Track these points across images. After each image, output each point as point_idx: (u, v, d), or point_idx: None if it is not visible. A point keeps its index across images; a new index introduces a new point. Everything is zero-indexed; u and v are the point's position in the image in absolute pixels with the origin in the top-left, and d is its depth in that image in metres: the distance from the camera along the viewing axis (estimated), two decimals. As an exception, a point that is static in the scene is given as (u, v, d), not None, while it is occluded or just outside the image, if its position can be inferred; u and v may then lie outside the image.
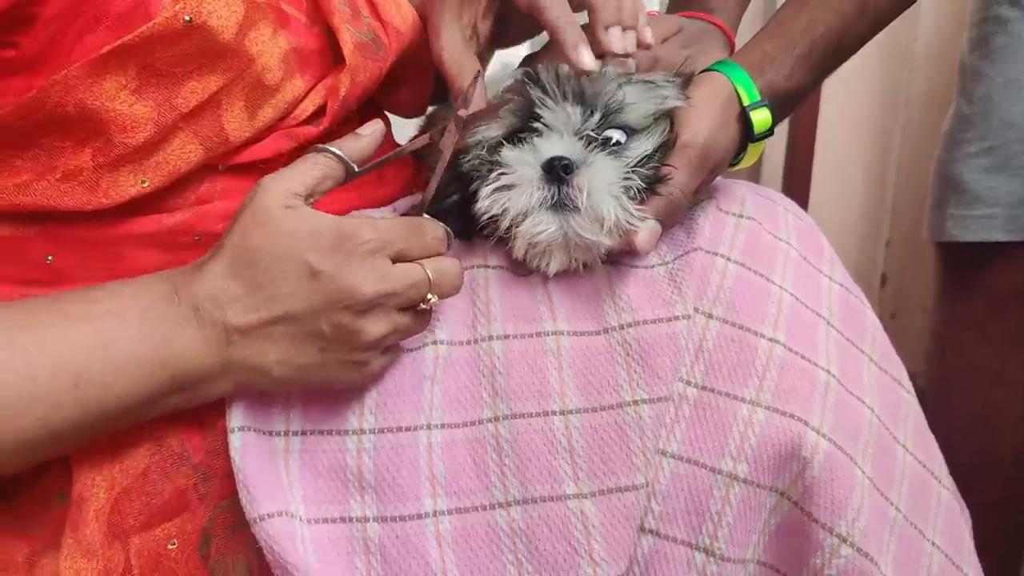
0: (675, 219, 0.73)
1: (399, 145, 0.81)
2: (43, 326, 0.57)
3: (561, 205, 0.68)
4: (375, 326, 0.61)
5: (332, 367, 0.62)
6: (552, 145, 0.70)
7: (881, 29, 0.85)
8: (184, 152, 0.64)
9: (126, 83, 0.60)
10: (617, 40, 0.70)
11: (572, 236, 0.68)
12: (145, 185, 0.63)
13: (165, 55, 0.61)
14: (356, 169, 0.65)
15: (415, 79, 0.85)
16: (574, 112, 0.71)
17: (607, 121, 0.72)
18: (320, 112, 0.72)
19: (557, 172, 0.67)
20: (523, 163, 0.69)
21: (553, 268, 0.71)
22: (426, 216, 0.66)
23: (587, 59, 0.70)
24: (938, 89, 1.88)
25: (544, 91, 0.71)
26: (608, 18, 0.70)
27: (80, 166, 0.61)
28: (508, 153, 0.70)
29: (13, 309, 0.58)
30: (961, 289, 1.31)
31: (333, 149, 0.64)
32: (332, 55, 0.75)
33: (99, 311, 0.59)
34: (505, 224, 0.69)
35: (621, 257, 0.72)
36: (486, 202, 0.69)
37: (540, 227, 0.68)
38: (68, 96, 0.59)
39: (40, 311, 0.58)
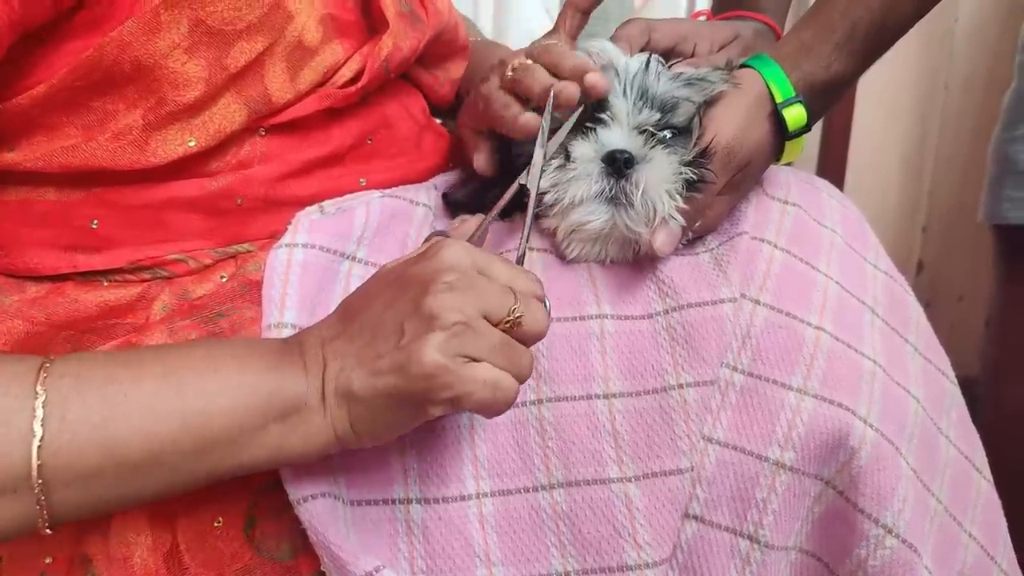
0: (699, 219, 0.72)
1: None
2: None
3: (615, 198, 0.68)
4: (447, 311, 0.55)
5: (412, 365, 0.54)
6: (614, 137, 0.70)
7: (930, 8, 0.82)
8: (229, 112, 0.65)
9: (179, 41, 0.62)
10: None
11: (621, 228, 0.68)
12: (192, 145, 0.64)
13: (215, 9, 0.62)
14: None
15: (450, 66, 0.87)
16: (637, 107, 0.72)
17: (664, 120, 0.72)
18: (358, 79, 0.73)
19: (619, 165, 0.68)
20: (586, 152, 0.70)
21: (583, 256, 0.72)
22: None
23: None
24: (979, 72, 1.85)
25: (615, 83, 0.72)
26: None
27: (130, 125, 0.62)
28: (575, 142, 0.71)
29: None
30: (1017, 272, 1.29)
31: None
32: (368, 29, 0.75)
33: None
34: (558, 209, 0.70)
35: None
36: (546, 184, 0.69)
37: (592, 216, 0.69)
38: (124, 54, 0.60)
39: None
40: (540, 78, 0.71)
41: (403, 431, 0.59)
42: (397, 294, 0.57)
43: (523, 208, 0.69)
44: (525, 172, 0.68)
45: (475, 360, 0.55)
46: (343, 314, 0.60)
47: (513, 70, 0.73)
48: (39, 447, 0.50)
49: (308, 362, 0.58)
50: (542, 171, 0.69)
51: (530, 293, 0.59)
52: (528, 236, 0.65)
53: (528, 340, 0.58)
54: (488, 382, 0.55)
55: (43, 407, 0.51)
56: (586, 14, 0.82)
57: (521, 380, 0.57)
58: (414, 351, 0.54)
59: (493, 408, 0.56)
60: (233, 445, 0.56)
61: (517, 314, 0.56)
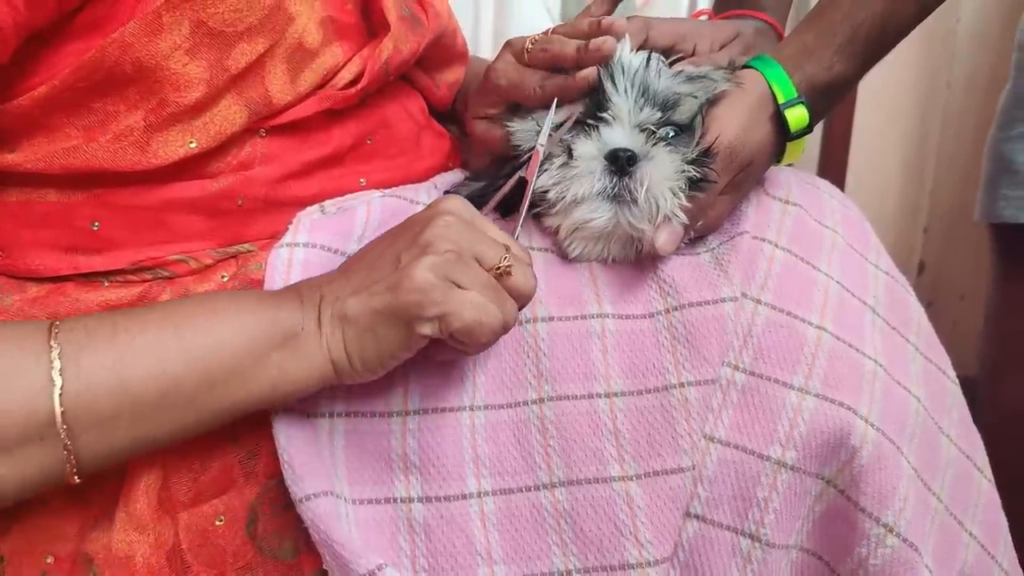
0: (700, 218, 0.72)
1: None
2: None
3: (618, 196, 0.69)
4: (441, 240, 0.60)
5: (403, 292, 0.58)
6: (616, 136, 0.70)
7: (932, 10, 0.82)
8: (229, 114, 0.66)
9: (180, 43, 0.62)
10: None
11: (624, 226, 0.69)
12: (192, 146, 0.65)
13: (217, 11, 0.62)
14: None
15: (448, 70, 0.87)
16: (638, 104, 0.72)
17: (665, 117, 0.72)
18: (358, 80, 0.73)
19: (621, 163, 0.68)
20: (589, 151, 0.70)
21: (585, 255, 0.72)
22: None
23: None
24: (981, 72, 1.85)
25: (614, 81, 0.72)
26: None
27: (131, 126, 0.63)
28: (578, 141, 0.71)
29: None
30: (1014, 271, 1.29)
31: None
32: (367, 32, 0.76)
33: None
34: (560, 207, 0.70)
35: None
36: (548, 182, 0.70)
37: (595, 214, 0.69)
38: (125, 55, 0.60)
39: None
40: (568, 41, 0.73)
41: (395, 360, 0.61)
42: (398, 235, 0.62)
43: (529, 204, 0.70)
44: (524, 166, 0.69)
45: (463, 289, 0.58)
46: (343, 265, 0.65)
47: (533, 43, 0.75)
48: (60, 395, 0.54)
49: (305, 300, 0.61)
50: (544, 164, 0.69)
51: (521, 257, 0.62)
52: (522, 222, 0.68)
53: (516, 294, 0.61)
54: (475, 303, 0.58)
55: (59, 358, 0.54)
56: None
57: (507, 324, 0.60)
58: (407, 270, 0.58)
59: (479, 335, 0.59)
60: (235, 378, 0.59)
61: (507, 263, 0.60)
